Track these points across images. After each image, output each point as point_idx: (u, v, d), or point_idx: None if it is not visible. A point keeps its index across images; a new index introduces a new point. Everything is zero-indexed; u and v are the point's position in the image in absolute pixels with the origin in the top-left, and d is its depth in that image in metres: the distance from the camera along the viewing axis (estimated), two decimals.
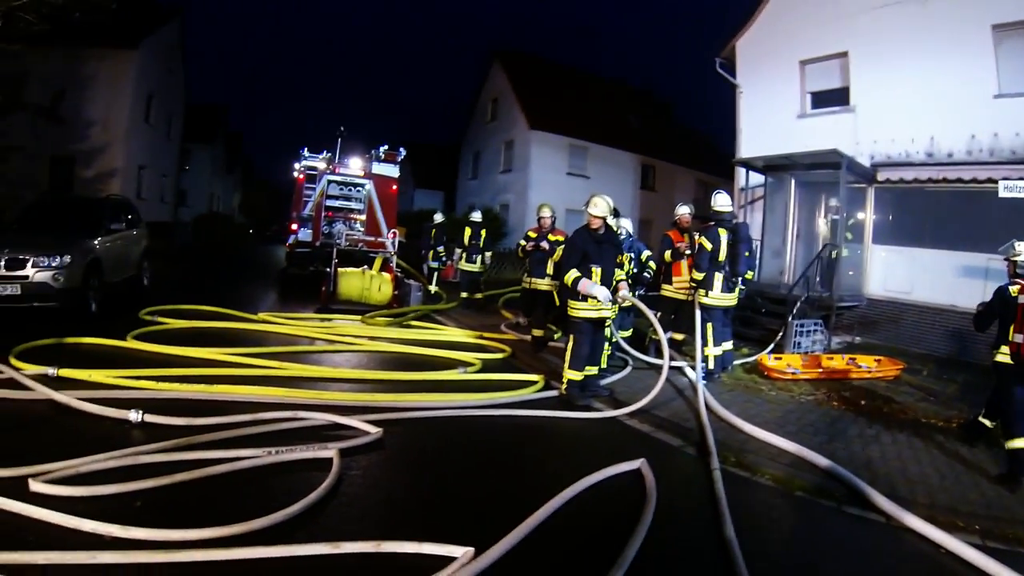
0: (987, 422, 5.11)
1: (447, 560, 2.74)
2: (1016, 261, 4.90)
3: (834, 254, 9.79)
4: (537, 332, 8.29)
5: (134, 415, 4.17)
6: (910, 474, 4.54)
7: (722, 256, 6.89)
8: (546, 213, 8.49)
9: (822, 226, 10.72)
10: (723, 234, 6.91)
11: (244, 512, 2.92)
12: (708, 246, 6.87)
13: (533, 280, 8.32)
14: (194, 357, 6.10)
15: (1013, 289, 4.67)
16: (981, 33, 9.75)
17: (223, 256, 22.79)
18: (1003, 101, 9.55)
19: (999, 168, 9.17)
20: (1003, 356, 4.66)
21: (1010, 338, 4.56)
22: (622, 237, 7.93)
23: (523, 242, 8.55)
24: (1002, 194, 5.93)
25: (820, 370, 7.41)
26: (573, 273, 5.78)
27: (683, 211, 8.14)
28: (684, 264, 7.78)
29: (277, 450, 3.80)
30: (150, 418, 4.17)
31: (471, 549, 2.79)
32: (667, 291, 8.08)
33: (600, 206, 5.84)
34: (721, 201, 7.22)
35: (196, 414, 4.32)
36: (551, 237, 8.22)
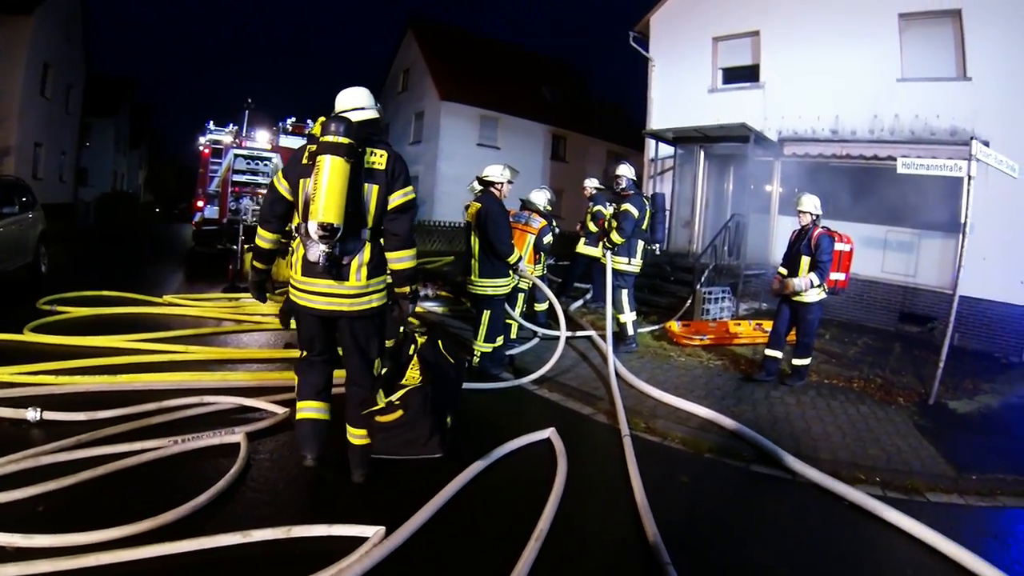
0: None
1: (359, 540, 2.70)
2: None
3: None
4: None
5: (31, 414, 3.80)
6: (814, 433, 4.79)
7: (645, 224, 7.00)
8: None
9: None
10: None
11: (153, 506, 2.77)
12: (635, 213, 6.79)
13: None
14: (96, 346, 5.62)
15: None
16: (888, 20, 10.31)
17: (127, 237, 21.19)
18: (905, 84, 10.19)
19: (899, 147, 9.78)
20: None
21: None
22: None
23: None
24: (900, 170, 6.33)
25: (727, 335, 7.71)
26: (518, 252, 5.71)
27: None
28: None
29: (184, 438, 3.59)
30: (49, 415, 3.84)
31: (382, 528, 2.75)
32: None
33: (506, 174, 5.79)
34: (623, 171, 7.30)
35: (98, 407, 3.99)
36: None
